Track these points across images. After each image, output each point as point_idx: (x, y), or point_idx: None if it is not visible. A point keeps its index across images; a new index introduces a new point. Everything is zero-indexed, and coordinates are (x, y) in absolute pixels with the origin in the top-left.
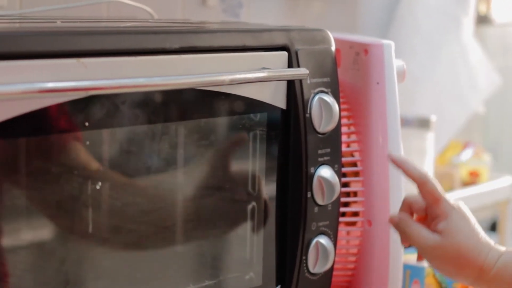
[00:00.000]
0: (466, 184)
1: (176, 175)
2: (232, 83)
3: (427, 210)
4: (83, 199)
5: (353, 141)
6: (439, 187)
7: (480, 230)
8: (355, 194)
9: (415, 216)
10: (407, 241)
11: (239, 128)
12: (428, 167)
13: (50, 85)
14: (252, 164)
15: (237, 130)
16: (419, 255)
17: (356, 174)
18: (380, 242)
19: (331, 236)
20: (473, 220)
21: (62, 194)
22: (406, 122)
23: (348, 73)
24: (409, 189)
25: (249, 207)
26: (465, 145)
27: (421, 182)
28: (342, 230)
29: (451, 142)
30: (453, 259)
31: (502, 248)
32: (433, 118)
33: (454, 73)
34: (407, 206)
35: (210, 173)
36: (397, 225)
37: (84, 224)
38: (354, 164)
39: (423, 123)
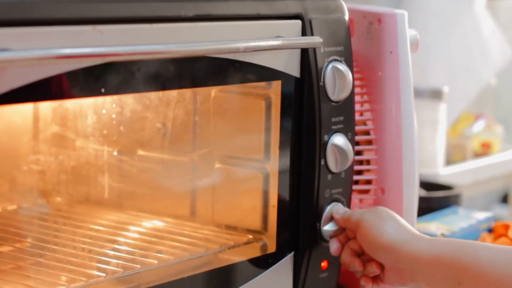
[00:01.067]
0: (478, 155)
1: (191, 142)
2: (246, 50)
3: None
4: (99, 165)
5: (366, 110)
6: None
7: (400, 219)
8: (368, 162)
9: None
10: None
11: (253, 96)
12: (440, 138)
13: (67, 51)
14: (266, 132)
15: (251, 98)
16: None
17: (369, 142)
18: (393, 209)
19: (345, 204)
20: (395, 215)
21: (78, 160)
22: (418, 93)
23: (361, 42)
24: (427, 152)
25: (263, 174)
26: (477, 117)
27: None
28: (355, 198)
29: (463, 114)
30: (367, 239)
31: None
32: (446, 89)
33: (467, 45)
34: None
35: (224, 141)
36: (348, 265)
37: (100, 189)
38: (367, 133)
39: (436, 94)
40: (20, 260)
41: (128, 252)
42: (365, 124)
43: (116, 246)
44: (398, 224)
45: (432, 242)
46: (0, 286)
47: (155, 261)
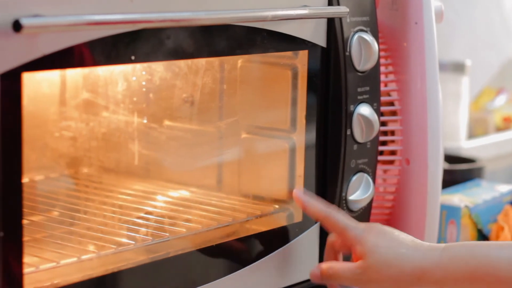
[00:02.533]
0: (499, 129)
1: (218, 111)
2: (274, 19)
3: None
4: (129, 132)
5: (391, 81)
6: (343, 218)
7: (407, 237)
8: (392, 133)
9: (341, 256)
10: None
11: (279, 66)
12: (462, 112)
13: (99, 17)
14: (292, 102)
15: (277, 68)
16: None
17: (393, 113)
18: (418, 180)
19: (370, 174)
20: (395, 231)
21: (108, 127)
22: (441, 66)
23: (386, 13)
24: (449, 125)
25: (289, 144)
26: (499, 91)
27: (322, 217)
28: (379, 168)
29: (485, 88)
30: (385, 275)
31: (440, 245)
32: (468, 62)
33: (489, 19)
34: (331, 248)
35: (250, 111)
36: (321, 276)
37: (129, 157)
38: (391, 104)
39: (458, 68)
40: (51, 228)
41: (156, 221)
42: (389, 95)
43: (145, 215)
44: (410, 241)
45: (447, 252)
46: (32, 254)
47: (184, 230)
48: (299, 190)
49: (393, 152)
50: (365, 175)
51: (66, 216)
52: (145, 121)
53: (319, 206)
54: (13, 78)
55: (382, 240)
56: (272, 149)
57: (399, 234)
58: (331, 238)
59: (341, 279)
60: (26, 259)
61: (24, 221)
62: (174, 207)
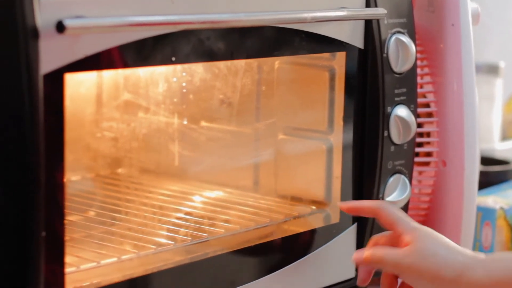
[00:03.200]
0: None
1: (255, 112)
2: (313, 20)
3: (394, 241)
4: (169, 132)
5: (427, 83)
6: (394, 211)
7: (450, 242)
8: (428, 134)
9: None
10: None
11: (317, 67)
12: (496, 113)
13: (140, 19)
14: (330, 103)
15: (315, 70)
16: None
17: (429, 115)
18: (454, 182)
19: (407, 175)
20: (439, 235)
21: (150, 127)
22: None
23: (422, 15)
24: (483, 127)
25: (327, 146)
26: None
27: (374, 212)
28: (415, 170)
29: None
30: (428, 264)
31: (481, 255)
32: (502, 64)
33: None
34: (374, 245)
35: (287, 112)
36: (364, 258)
37: (169, 157)
38: (426, 105)
39: (492, 69)
40: (91, 228)
41: (195, 221)
42: (424, 96)
43: (184, 215)
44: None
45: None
46: (73, 254)
47: (222, 230)
48: (343, 202)
49: (428, 154)
50: (402, 176)
51: (106, 217)
52: (185, 122)
53: (367, 202)
54: (56, 78)
55: (432, 233)
56: (309, 150)
57: (442, 237)
58: (375, 236)
59: (384, 262)
60: (67, 259)
61: (66, 221)
62: (212, 208)
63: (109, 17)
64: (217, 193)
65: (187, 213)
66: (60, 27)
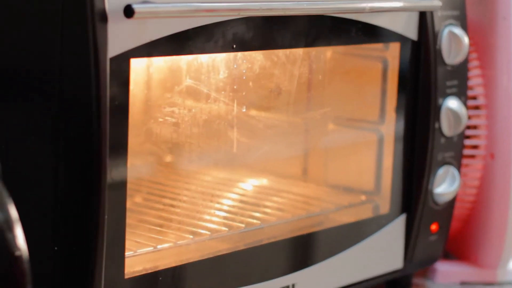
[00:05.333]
0: None
1: (308, 102)
2: (372, 11)
3: None
4: (228, 119)
5: (476, 76)
6: None
7: None
8: (475, 127)
9: None
10: None
11: (370, 58)
12: None
13: (207, 5)
14: (382, 94)
15: (368, 60)
16: None
17: (476, 107)
18: (502, 174)
19: (456, 167)
20: None
21: (210, 114)
22: None
23: (473, 8)
24: None
25: (378, 136)
26: None
27: None
28: (462, 162)
29: None
30: None
31: None
32: None
33: None
34: None
35: (340, 102)
36: None
37: (229, 144)
38: (473, 98)
39: None
40: (148, 213)
41: (250, 208)
42: (471, 89)
43: (238, 203)
44: None
45: None
46: (131, 239)
47: (274, 218)
48: None
49: (474, 146)
50: (451, 168)
51: (163, 202)
52: (244, 109)
53: None
54: (122, 63)
55: None
56: (360, 140)
57: None
58: None
59: None
60: (126, 243)
61: (127, 205)
62: (265, 196)
63: (175, 2)
64: (268, 181)
65: (241, 200)
66: (129, 12)
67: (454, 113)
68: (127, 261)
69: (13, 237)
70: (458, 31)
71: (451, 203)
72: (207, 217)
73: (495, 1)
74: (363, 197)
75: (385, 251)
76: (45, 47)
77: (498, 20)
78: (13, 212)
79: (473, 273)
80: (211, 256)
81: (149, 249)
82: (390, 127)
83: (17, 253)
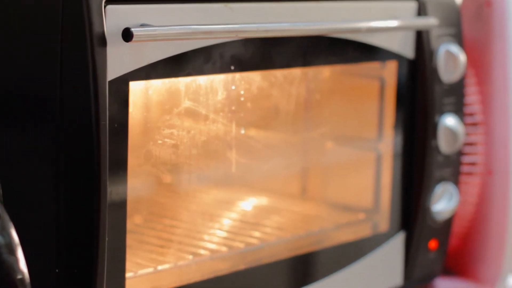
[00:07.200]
0: None
1: (305, 121)
2: (368, 31)
3: None
4: (227, 140)
5: (472, 92)
6: None
7: None
8: (471, 144)
9: None
10: None
11: (367, 76)
12: None
13: (205, 28)
14: (379, 112)
15: (365, 79)
16: None
17: (473, 124)
18: (500, 191)
19: (454, 185)
20: None
21: (209, 135)
22: None
23: (469, 25)
24: None
25: (376, 154)
26: None
27: None
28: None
29: None
30: None
31: None
32: None
33: None
34: None
35: (337, 120)
36: None
37: (227, 164)
38: (471, 115)
39: None
40: (148, 234)
41: (250, 228)
42: (468, 106)
43: (238, 223)
44: None
45: None
46: (131, 260)
47: (274, 237)
48: None
49: (472, 163)
50: (450, 186)
51: (163, 223)
52: (242, 130)
53: None
54: (120, 85)
55: None
56: (358, 158)
57: None
58: None
59: None
60: (127, 264)
61: (127, 227)
62: (264, 215)
63: (173, 25)
64: (267, 200)
65: (241, 220)
66: (127, 35)
67: (451, 131)
68: (128, 282)
69: (15, 260)
70: (454, 49)
71: (450, 220)
72: (207, 237)
73: (491, 18)
74: (361, 215)
75: (385, 268)
76: (44, 70)
77: (494, 37)
78: (14, 235)
79: None
80: (212, 276)
81: (150, 270)
82: (388, 145)
83: (18, 276)
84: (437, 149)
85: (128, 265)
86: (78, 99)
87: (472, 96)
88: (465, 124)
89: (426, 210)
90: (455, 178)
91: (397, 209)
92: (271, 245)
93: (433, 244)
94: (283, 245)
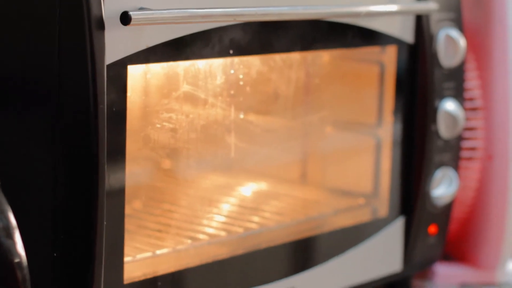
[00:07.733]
0: None
1: (305, 105)
2: (368, 15)
3: None
4: (226, 124)
5: (473, 77)
6: None
7: None
8: (471, 129)
9: None
10: None
11: (367, 61)
12: None
13: (203, 11)
14: (379, 97)
15: (365, 64)
16: None
17: (473, 109)
18: (500, 176)
19: (454, 170)
20: None
21: (207, 119)
22: None
23: (469, 9)
24: None
25: (376, 139)
26: None
27: None
28: (460, 164)
29: None
30: None
31: None
32: None
33: None
34: None
35: (337, 105)
36: None
37: (226, 149)
38: (471, 100)
39: None
40: (146, 219)
41: (248, 213)
42: (468, 91)
43: (237, 207)
44: None
45: None
46: (130, 244)
47: (273, 222)
48: None
49: (472, 148)
50: (449, 171)
51: (162, 207)
52: (241, 114)
53: None
54: (119, 69)
55: None
56: (358, 144)
57: None
58: None
59: None
60: (125, 248)
61: (126, 211)
62: (263, 200)
63: (171, 9)
64: (267, 185)
65: (240, 205)
66: (125, 19)
67: (451, 115)
68: (126, 267)
69: (12, 244)
70: (454, 33)
71: (450, 205)
72: (206, 222)
73: (491, 3)
74: (361, 200)
75: (384, 253)
76: (42, 55)
77: (494, 21)
78: (12, 219)
79: (472, 275)
80: (210, 261)
81: (148, 255)
82: (388, 130)
83: (16, 260)
84: (437, 134)
85: (127, 249)
86: (76, 83)
87: (472, 81)
88: (465, 109)
89: (426, 195)
90: (455, 163)
91: (397, 194)
92: (270, 230)
93: (432, 229)
94: (282, 230)
